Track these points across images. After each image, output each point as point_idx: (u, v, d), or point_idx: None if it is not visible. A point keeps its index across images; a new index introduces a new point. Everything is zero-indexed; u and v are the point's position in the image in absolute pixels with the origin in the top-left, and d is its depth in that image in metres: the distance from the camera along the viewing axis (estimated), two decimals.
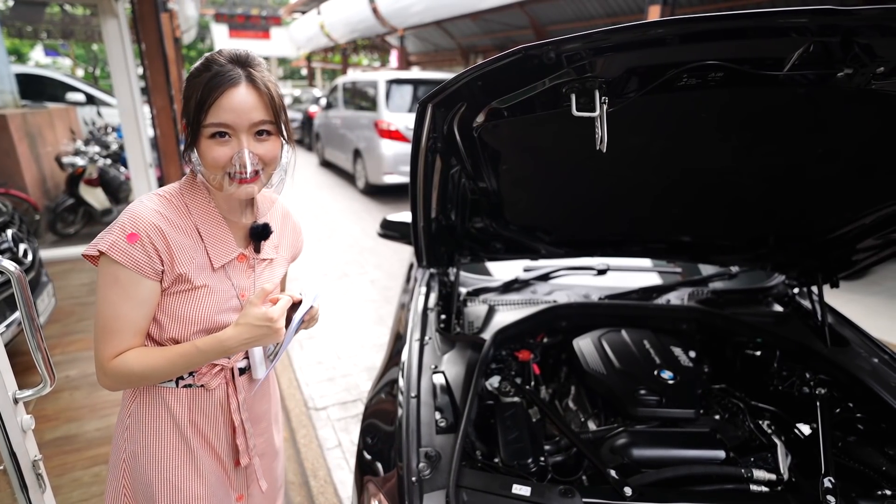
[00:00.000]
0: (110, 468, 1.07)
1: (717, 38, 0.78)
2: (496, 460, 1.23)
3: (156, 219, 0.91)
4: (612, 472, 1.13)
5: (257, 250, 1.05)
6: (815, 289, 1.67)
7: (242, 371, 1.07)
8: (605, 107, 0.83)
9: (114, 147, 6.12)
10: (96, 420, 2.50)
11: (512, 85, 0.90)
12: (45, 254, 4.41)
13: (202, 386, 1.02)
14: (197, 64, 0.92)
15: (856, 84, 0.83)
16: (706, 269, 2.12)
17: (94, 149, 5.60)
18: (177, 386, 1.01)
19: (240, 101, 0.88)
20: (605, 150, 0.83)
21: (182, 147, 0.97)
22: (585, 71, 0.82)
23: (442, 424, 1.20)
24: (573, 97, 0.84)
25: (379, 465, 1.22)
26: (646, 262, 2.19)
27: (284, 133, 0.97)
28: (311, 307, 1.05)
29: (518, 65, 0.83)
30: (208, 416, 1.05)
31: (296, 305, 1.02)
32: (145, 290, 0.91)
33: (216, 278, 0.98)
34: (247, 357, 1.08)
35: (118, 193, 5.59)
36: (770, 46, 0.80)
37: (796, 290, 1.85)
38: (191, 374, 1.01)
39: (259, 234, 1.04)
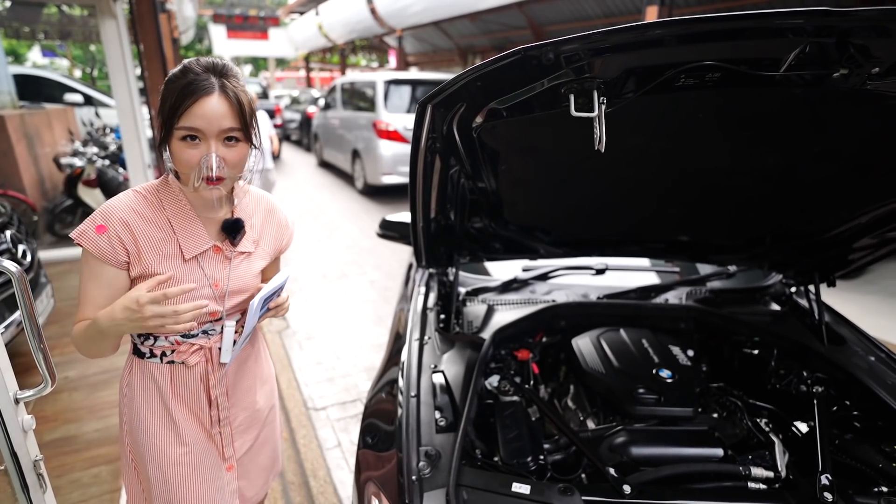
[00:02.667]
0: (119, 434, 1.21)
1: (714, 38, 0.79)
2: (496, 459, 1.23)
3: (126, 213, 1.02)
4: (611, 471, 1.13)
5: (233, 243, 1.12)
6: (812, 288, 1.68)
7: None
8: (603, 107, 0.83)
9: (112, 148, 6.10)
10: (95, 421, 2.50)
11: (511, 85, 0.91)
12: (44, 255, 4.40)
13: (183, 363, 1.11)
14: (175, 70, 0.99)
15: (851, 84, 0.84)
16: (704, 269, 2.13)
17: (93, 150, 5.58)
18: (161, 362, 1.11)
19: (211, 110, 0.95)
20: (603, 151, 0.84)
21: (157, 143, 1.08)
22: (584, 71, 0.82)
23: (442, 423, 1.21)
24: (572, 97, 0.85)
25: (379, 465, 1.23)
26: (644, 261, 2.20)
27: (254, 140, 1.05)
28: (279, 295, 1.13)
29: (517, 65, 0.83)
30: (190, 389, 1.14)
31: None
32: (108, 275, 1.02)
33: (187, 268, 1.06)
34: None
35: (117, 194, 5.59)
36: (767, 47, 0.81)
37: (793, 289, 1.86)
38: (172, 351, 1.11)
39: (230, 228, 1.11)
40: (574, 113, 0.84)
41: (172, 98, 0.95)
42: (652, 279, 2.08)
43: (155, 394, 1.13)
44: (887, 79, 0.83)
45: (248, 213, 1.17)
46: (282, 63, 28.89)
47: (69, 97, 7.47)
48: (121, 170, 5.79)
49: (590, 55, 0.79)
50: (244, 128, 1.00)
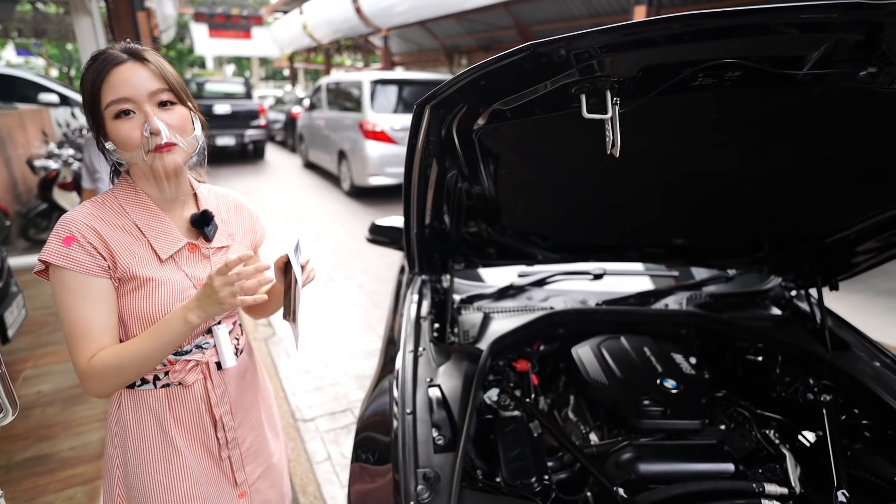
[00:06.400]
0: (104, 477, 1.10)
1: (738, 34, 0.74)
2: (498, 480, 1.17)
3: (89, 220, 0.93)
4: (620, 491, 1.08)
5: (207, 239, 1.06)
6: (813, 291, 1.64)
7: (220, 366, 1.09)
8: (616, 108, 0.77)
9: None
10: (70, 438, 2.37)
11: (517, 85, 0.84)
12: (17, 261, 4.23)
13: (180, 384, 1.04)
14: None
15: (878, 84, 0.79)
16: (700, 272, 2.09)
17: (69, 151, 5.39)
18: (155, 387, 1.03)
19: (129, 74, 0.90)
20: (617, 154, 0.78)
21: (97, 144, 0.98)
22: (597, 70, 0.76)
23: (440, 442, 1.14)
24: (583, 98, 0.78)
25: (374, 486, 1.16)
26: (642, 265, 2.16)
27: (189, 104, 0.99)
28: (300, 253, 1.05)
29: (525, 63, 0.77)
30: (191, 412, 1.07)
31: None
32: (97, 288, 0.92)
33: (166, 270, 1.00)
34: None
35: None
36: (792, 44, 0.76)
37: (793, 293, 1.83)
38: (166, 373, 1.03)
39: (199, 221, 1.04)
40: (586, 115, 0.78)
41: (90, 80, 0.90)
42: (650, 284, 2.04)
43: (152, 425, 1.04)
44: None
45: (214, 209, 1.11)
46: (265, 63, 28.56)
47: (44, 97, 7.23)
48: None
49: (605, 52, 0.73)
50: (173, 90, 0.95)
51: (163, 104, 0.93)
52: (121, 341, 1.00)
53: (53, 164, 5.11)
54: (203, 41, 17.86)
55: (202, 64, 26.34)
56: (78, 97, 7.65)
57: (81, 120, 6.94)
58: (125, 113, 0.90)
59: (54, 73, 18.65)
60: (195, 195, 1.10)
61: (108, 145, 0.93)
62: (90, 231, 0.92)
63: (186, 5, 17.96)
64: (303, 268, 1.04)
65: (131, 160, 0.94)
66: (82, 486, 2.08)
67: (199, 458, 1.09)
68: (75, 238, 0.90)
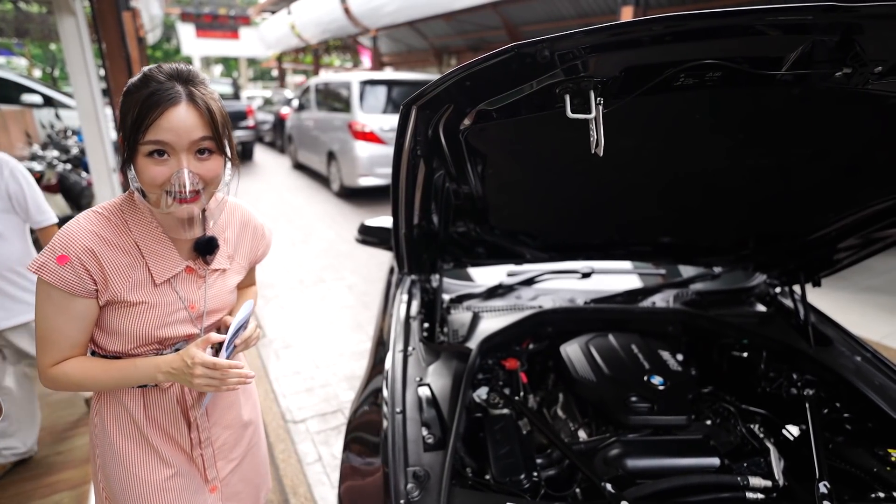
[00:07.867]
0: (91, 466, 1.14)
1: (718, 35, 0.75)
2: (487, 477, 1.18)
3: (88, 240, 0.92)
4: (608, 486, 1.09)
5: (206, 262, 1.06)
6: (796, 288, 1.67)
7: None
8: (600, 108, 0.78)
9: (74, 151, 5.83)
10: (57, 443, 2.34)
11: (502, 85, 0.85)
12: None
13: (156, 385, 1.05)
14: (134, 79, 0.89)
15: (854, 84, 0.81)
16: (687, 270, 2.12)
17: (53, 153, 5.31)
18: (132, 386, 1.04)
19: (179, 121, 0.87)
20: (601, 154, 0.79)
21: (119, 162, 1.00)
22: (580, 70, 0.77)
23: (429, 441, 1.15)
24: (567, 98, 0.79)
25: (365, 485, 1.16)
26: (629, 264, 2.18)
27: (228, 152, 0.97)
28: (245, 328, 1.06)
29: (509, 64, 0.78)
30: (167, 413, 1.08)
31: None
32: (79, 307, 0.94)
33: (159, 293, 1.00)
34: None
35: (80, 200, 5.31)
36: (770, 45, 0.77)
37: (778, 290, 1.86)
38: None
39: (203, 248, 1.04)
40: (570, 115, 0.79)
41: (135, 111, 0.86)
42: (638, 282, 2.06)
43: (129, 422, 1.07)
44: (887, 79, 0.81)
45: (220, 226, 1.10)
46: (254, 63, 28.35)
47: (27, 98, 7.12)
48: (84, 174, 5.53)
49: (588, 53, 0.74)
50: (217, 138, 0.92)
51: (201, 152, 0.91)
52: (99, 346, 1.01)
53: (37, 167, 5.02)
54: (190, 41, 17.67)
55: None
56: (63, 98, 7.56)
57: (66, 121, 6.84)
58: (160, 153, 0.88)
59: (37, 73, 18.36)
60: (203, 211, 1.05)
61: (130, 173, 0.92)
62: (87, 254, 0.91)
63: (173, 5, 17.78)
64: (237, 346, 1.06)
65: (148, 196, 0.93)
66: (69, 491, 2.06)
67: (174, 454, 1.11)
68: (70, 259, 0.89)
